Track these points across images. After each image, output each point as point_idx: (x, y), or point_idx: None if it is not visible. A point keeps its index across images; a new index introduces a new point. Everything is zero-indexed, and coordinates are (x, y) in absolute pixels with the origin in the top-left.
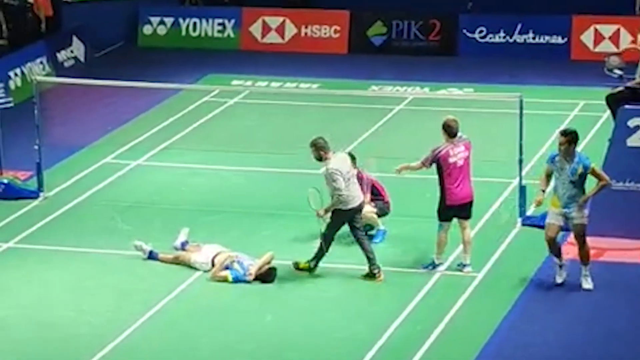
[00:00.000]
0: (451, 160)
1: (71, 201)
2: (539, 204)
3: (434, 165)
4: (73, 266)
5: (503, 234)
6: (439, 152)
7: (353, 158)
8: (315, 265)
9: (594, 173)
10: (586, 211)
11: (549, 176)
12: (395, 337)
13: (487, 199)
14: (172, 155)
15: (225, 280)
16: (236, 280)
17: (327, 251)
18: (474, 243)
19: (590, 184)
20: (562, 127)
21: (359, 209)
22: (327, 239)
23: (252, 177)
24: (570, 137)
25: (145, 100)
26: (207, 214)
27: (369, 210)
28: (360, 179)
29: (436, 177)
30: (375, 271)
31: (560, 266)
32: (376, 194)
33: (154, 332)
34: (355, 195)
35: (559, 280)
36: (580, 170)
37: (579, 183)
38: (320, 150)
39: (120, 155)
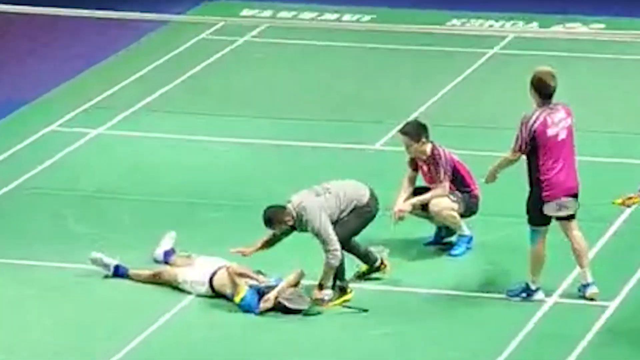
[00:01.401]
0: (550, 132)
1: None
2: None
3: None
4: (1, 286)
5: None
6: (533, 122)
7: (424, 128)
8: (343, 282)
9: None
10: None
11: None
12: None
13: (615, 189)
14: (151, 120)
15: (236, 293)
16: (244, 306)
17: (343, 263)
18: (600, 258)
19: None
20: None
21: (377, 208)
22: (344, 248)
23: (266, 152)
24: None
25: (112, 37)
26: (200, 208)
27: (448, 205)
28: (435, 157)
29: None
30: (378, 264)
31: None
32: (460, 181)
33: None
34: (360, 187)
35: None
36: None
37: None
38: (284, 220)
39: (72, 120)
